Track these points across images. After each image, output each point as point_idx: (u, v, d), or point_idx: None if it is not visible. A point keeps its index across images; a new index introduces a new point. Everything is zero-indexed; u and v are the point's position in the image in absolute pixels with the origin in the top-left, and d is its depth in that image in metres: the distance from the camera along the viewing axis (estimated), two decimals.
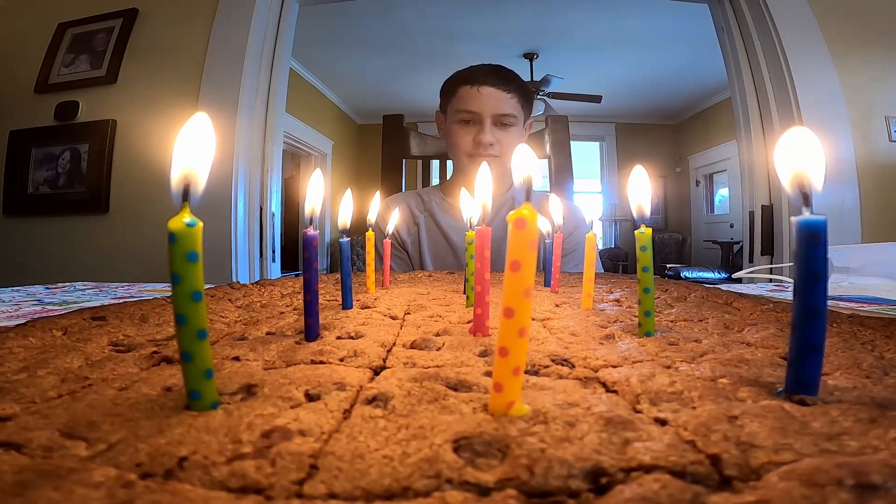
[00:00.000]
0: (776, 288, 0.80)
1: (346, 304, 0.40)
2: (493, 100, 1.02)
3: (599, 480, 0.12)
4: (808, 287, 0.17)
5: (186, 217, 0.16)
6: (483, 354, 0.25)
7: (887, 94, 1.52)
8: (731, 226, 4.76)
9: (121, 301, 0.40)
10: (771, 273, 1.31)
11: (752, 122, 1.57)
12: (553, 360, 0.23)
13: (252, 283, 0.54)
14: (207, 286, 0.40)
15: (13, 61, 1.73)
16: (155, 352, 0.25)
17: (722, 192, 5.16)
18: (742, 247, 1.78)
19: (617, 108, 5.11)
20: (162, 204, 1.52)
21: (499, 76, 1.03)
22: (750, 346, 0.26)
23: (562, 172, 1.23)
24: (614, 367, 0.22)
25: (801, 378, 0.18)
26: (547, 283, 0.55)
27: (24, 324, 0.30)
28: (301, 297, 0.41)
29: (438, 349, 0.26)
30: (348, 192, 0.43)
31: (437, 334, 0.30)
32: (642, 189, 0.30)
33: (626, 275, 0.72)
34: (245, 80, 1.51)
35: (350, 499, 0.11)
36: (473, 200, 0.49)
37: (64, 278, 0.94)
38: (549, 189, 1.25)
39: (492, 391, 0.16)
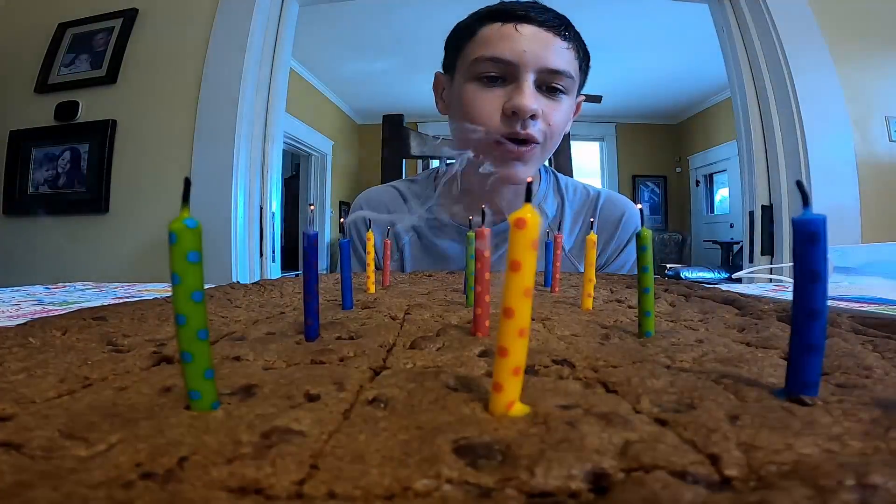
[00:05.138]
0: (776, 288, 0.80)
1: (346, 304, 0.40)
2: (540, 45, 0.63)
3: (599, 481, 0.12)
4: (808, 287, 0.17)
5: (186, 217, 0.16)
6: (483, 354, 0.25)
7: (887, 94, 1.52)
8: (731, 226, 4.75)
9: (121, 301, 0.40)
10: (771, 273, 1.31)
11: (752, 122, 1.57)
12: (553, 360, 0.23)
13: (252, 283, 0.54)
14: (207, 286, 0.40)
15: (13, 61, 1.72)
16: (155, 352, 0.25)
17: (722, 192, 5.16)
18: (742, 247, 1.78)
19: (617, 109, 5.11)
20: (162, 204, 1.52)
21: (548, 13, 0.66)
22: (750, 346, 0.26)
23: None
24: (614, 367, 0.22)
25: (801, 378, 0.18)
26: (547, 283, 0.55)
27: (24, 324, 0.30)
28: (301, 297, 0.41)
29: (438, 349, 0.26)
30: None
31: (437, 334, 0.29)
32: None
33: (626, 275, 0.72)
34: (245, 81, 1.51)
35: (350, 499, 0.11)
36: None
37: (64, 278, 0.94)
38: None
39: (492, 391, 0.16)
